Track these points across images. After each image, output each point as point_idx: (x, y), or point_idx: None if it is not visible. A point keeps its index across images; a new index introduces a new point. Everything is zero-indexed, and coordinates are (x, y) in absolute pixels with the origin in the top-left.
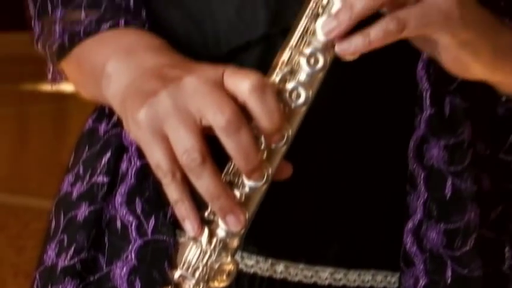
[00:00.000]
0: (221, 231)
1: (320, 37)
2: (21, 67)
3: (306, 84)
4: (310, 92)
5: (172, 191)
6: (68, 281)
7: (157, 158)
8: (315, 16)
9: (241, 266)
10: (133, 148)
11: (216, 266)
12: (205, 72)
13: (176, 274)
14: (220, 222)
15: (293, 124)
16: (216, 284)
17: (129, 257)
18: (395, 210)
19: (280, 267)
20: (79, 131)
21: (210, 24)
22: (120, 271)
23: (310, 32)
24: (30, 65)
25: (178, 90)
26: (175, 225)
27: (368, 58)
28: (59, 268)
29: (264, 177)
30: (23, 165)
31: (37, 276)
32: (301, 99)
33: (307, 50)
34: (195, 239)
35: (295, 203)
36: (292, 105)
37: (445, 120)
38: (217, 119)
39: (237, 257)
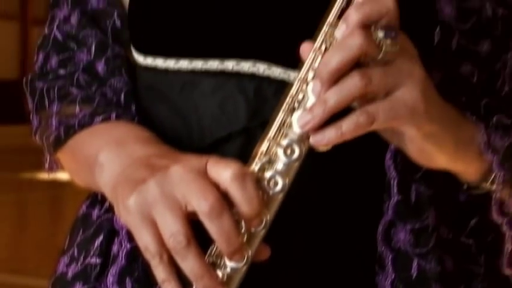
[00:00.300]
0: None
1: (296, 129)
2: (21, 157)
3: (283, 173)
4: (287, 180)
5: (160, 272)
6: None
7: (145, 241)
8: (291, 110)
9: None
10: (124, 232)
11: None
12: (190, 162)
13: None
14: None
15: (271, 210)
16: None
17: None
18: None
19: None
20: (73, 216)
21: (195, 118)
22: None
23: (287, 124)
24: (29, 155)
25: (165, 178)
26: None
27: (341, 148)
28: None
29: (244, 259)
30: (22, 247)
31: None
32: (279, 187)
33: (284, 142)
34: None
35: (273, 282)
36: (271, 192)
37: (411, 206)
38: (201, 205)
39: None
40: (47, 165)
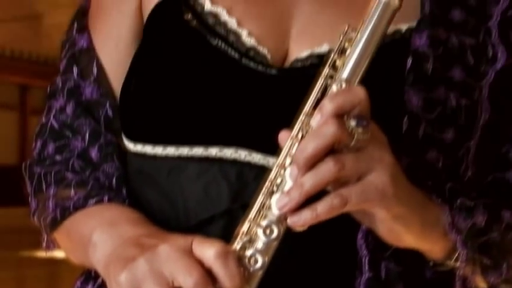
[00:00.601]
0: None
1: (275, 211)
2: (20, 236)
3: (262, 252)
4: (267, 258)
5: None
6: None
7: None
8: (270, 193)
9: None
10: None
11: None
12: (177, 241)
13: None
14: None
15: (252, 285)
16: None
17: None
18: None
19: None
20: None
21: (181, 201)
22: None
23: (266, 207)
24: (27, 235)
25: (154, 256)
26: None
27: (316, 228)
28: None
29: None
30: None
31: None
32: (259, 264)
33: (264, 222)
34: None
35: None
36: (251, 269)
37: (381, 282)
38: (187, 281)
39: None
40: (44, 244)
